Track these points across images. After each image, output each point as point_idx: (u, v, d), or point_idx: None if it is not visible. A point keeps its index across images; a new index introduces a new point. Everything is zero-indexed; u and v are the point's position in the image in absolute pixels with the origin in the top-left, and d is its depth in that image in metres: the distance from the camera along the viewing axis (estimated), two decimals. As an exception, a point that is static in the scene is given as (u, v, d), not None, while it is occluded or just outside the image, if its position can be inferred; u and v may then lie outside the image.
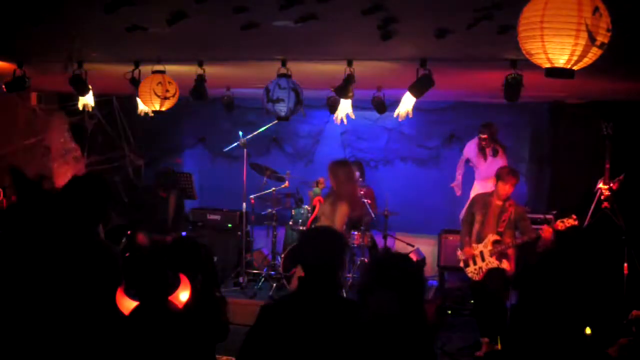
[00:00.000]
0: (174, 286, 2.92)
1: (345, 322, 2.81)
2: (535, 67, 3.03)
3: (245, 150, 7.77)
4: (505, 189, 6.04)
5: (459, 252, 6.37)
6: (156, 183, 7.52)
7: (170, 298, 2.89)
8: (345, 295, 6.79)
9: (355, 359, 2.56)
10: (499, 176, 6.11)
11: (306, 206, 7.87)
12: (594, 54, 2.84)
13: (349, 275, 7.38)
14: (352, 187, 6.25)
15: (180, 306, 2.91)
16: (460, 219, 6.72)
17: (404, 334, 2.50)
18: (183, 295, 2.93)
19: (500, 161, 7.08)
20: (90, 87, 6.47)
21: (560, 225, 5.87)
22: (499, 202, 6.11)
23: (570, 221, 5.86)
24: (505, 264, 6.03)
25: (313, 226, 6.97)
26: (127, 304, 2.89)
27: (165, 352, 2.78)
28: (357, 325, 2.58)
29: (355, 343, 2.54)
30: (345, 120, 7.02)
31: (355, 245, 7.55)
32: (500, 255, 6.03)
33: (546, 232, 5.85)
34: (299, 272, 3.62)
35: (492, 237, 6.06)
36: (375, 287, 2.56)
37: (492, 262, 6.05)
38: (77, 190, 3.31)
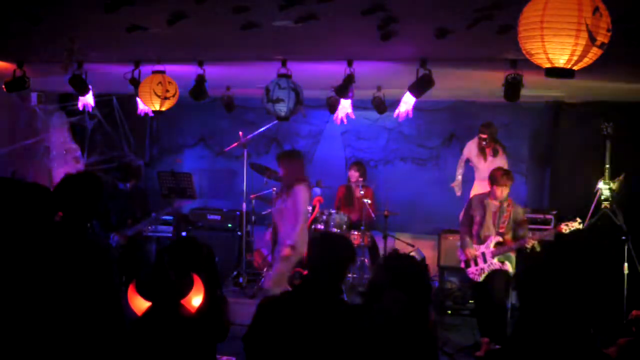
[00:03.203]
0: (187, 289, 2.90)
1: (342, 324, 2.80)
2: (535, 67, 3.04)
3: (245, 150, 7.77)
4: (500, 190, 6.03)
5: (459, 252, 6.37)
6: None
7: (182, 301, 2.87)
8: (345, 294, 6.80)
9: (361, 358, 2.56)
10: (492, 179, 6.07)
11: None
12: (594, 54, 2.84)
13: (349, 275, 7.38)
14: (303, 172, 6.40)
15: (193, 310, 2.88)
16: (460, 220, 6.72)
17: (410, 335, 2.50)
18: (196, 299, 2.91)
19: (500, 161, 7.06)
20: (90, 87, 6.47)
21: (564, 228, 5.87)
22: (497, 203, 6.10)
23: (575, 224, 5.86)
24: (507, 265, 6.02)
25: (321, 230, 7.00)
26: (140, 304, 2.87)
27: (171, 354, 2.77)
28: (364, 325, 2.57)
29: (361, 343, 2.54)
30: (345, 120, 7.03)
31: (355, 246, 7.55)
32: (502, 257, 6.03)
33: (529, 243, 5.92)
34: None
35: (494, 238, 6.05)
36: (387, 288, 2.56)
37: (494, 264, 6.04)
38: (69, 188, 3.31)
